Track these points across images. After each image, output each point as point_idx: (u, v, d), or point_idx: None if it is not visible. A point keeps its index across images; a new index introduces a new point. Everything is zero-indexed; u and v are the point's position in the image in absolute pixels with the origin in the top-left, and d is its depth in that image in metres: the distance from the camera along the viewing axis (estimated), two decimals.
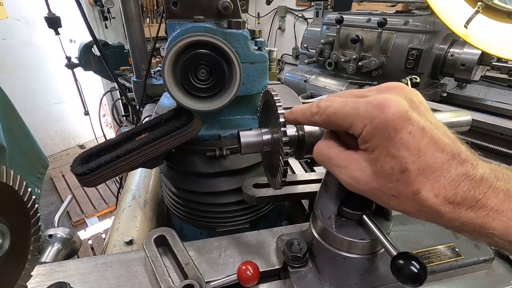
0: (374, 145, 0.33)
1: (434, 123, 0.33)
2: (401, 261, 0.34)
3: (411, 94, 0.35)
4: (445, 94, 1.94)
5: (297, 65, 2.64)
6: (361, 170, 0.35)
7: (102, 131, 2.81)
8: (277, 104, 0.47)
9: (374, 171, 0.34)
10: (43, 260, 0.73)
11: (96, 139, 2.87)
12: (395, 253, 0.36)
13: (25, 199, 0.41)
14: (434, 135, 0.32)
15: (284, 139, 0.45)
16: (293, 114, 0.43)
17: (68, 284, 0.45)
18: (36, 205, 0.43)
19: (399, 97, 0.33)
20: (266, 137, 0.51)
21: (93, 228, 3.33)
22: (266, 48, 0.69)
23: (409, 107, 0.33)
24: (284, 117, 0.44)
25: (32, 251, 0.42)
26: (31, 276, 0.41)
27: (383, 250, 0.46)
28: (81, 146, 5.01)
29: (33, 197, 0.43)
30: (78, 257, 0.79)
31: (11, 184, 0.39)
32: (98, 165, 0.56)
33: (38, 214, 0.44)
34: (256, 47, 0.66)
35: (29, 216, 0.42)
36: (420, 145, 0.31)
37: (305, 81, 2.20)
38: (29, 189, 0.42)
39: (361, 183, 0.35)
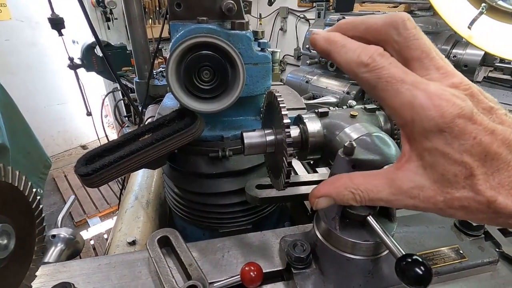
0: (427, 148, 0.28)
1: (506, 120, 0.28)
2: (405, 263, 0.34)
3: (473, 87, 0.30)
4: None
5: (298, 66, 2.64)
6: (417, 184, 0.29)
7: (104, 131, 2.82)
8: (280, 105, 0.47)
9: (433, 181, 0.28)
10: (46, 260, 0.73)
11: (98, 139, 2.88)
12: (399, 255, 0.36)
13: (30, 200, 0.41)
14: (507, 136, 0.27)
15: (288, 140, 0.45)
16: (330, 44, 0.33)
17: (73, 284, 0.45)
18: (41, 206, 0.43)
19: (461, 93, 0.28)
20: (270, 138, 0.51)
21: (95, 229, 3.34)
22: (269, 49, 0.69)
23: (473, 105, 0.27)
24: (310, 39, 0.35)
25: (37, 251, 0.43)
26: (36, 276, 0.41)
27: (386, 251, 0.46)
28: (83, 147, 5.03)
29: (38, 197, 0.43)
30: (80, 258, 0.80)
31: (16, 185, 0.39)
32: (101, 166, 0.56)
33: (43, 215, 0.44)
34: (259, 48, 0.66)
35: (34, 216, 0.42)
36: (489, 150, 0.26)
37: (306, 82, 2.19)
38: (34, 190, 0.42)
39: (424, 200, 0.29)
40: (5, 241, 0.36)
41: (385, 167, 0.37)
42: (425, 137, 0.28)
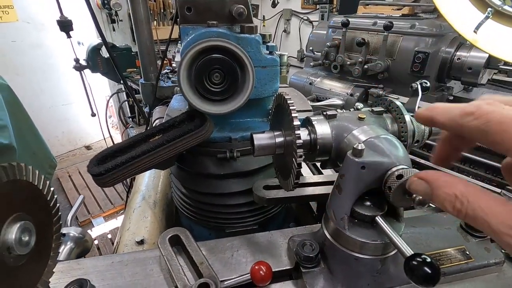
0: None
1: None
2: (414, 262, 0.35)
3: None
4: (451, 98, 1.93)
5: (302, 68, 2.65)
6: None
7: (109, 132, 2.84)
8: (290, 107, 0.48)
9: None
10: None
11: (104, 139, 2.90)
12: (408, 254, 0.37)
13: (48, 198, 0.43)
14: None
15: (298, 142, 0.46)
16: (431, 111, 0.34)
17: (89, 281, 0.47)
18: (58, 204, 0.45)
19: None
20: (279, 139, 0.53)
21: (99, 229, 3.36)
22: (277, 52, 0.70)
23: None
24: (415, 115, 0.36)
25: (54, 248, 0.44)
26: (53, 272, 0.43)
27: (394, 251, 0.46)
28: (88, 147, 5.06)
29: (55, 196, 0.44)
30: (84, 257, 0.81)
31: (36, 183, 0.40)
32: (114, 166, 0.58)
33: (60, 213, 0.45)
34: (268, 52, 0.67)
35: (51, 214, 0.43)
36: None
37: (310, 83, 2.20)
38: (52, 188, 0.44)
39: None
40: (27, 238, 0.37)
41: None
42: None
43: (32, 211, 0.39)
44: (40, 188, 0.41)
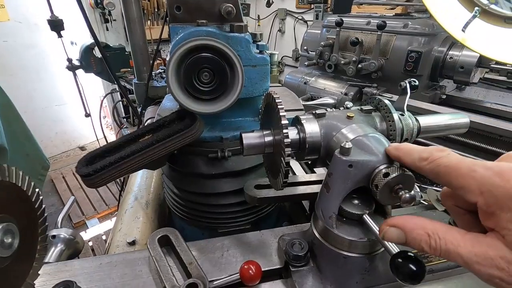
0: (507, 221, 0.28)
1: None
2: (400, 260, 0.35)
3: None
4: (444, 96, 1.95)
5: (297, 67, 2.66)
6: (507, 260, 0.27)
7: (103, 132, 2.82)
8: (279, 106, 0.48)
9: None
10: (46, 260, 0.74)
11: (97, 140, 2.88)
12: (394, 252, 0.37)
13: (33, 199, 0.42)
14: None
15: (286, 141, 0.46)
16: (398, 151, 0.40)
17: (75, 282, 0.46)
18: (43, 206, 0.44)
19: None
20: (268, 139, 0.53)
21: (94, 230, 3.33)
22: (267, 52, 0.70)
23: None
24: (386, 150, 0.42)
25: (40, 250, 0.43)
26: (39, 274, 0.42)
27: (382, 249, 0.47)
28: (82, 148, 5.02)
29: (41, 197, 0.44)
30: (79, 258, 0.80)
31: (20, 185, 0.40)
32: (102, 166, 0.57)
33: (45, 214, 0.45)
34: (258, 51, 0.67)
35: (36, 215, 0.43)
36: None
37: (305, 83, 2.21)
38: (37, 190, 0.43)
39: None
40: (10, 240, 0.37)
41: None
42: (502, 210, 0.28)
43: (16, 212, 0.39)
44: (25, 189, 0.41)
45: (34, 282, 0.42)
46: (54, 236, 0.81)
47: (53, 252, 0.78)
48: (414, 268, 0.34)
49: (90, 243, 3.10)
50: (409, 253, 0.36)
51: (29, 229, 0.41)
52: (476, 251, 0.29)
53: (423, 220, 0.34)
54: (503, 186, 0.28)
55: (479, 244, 0.29)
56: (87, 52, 2.58)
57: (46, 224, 0.45)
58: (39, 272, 0.43)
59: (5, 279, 0.37)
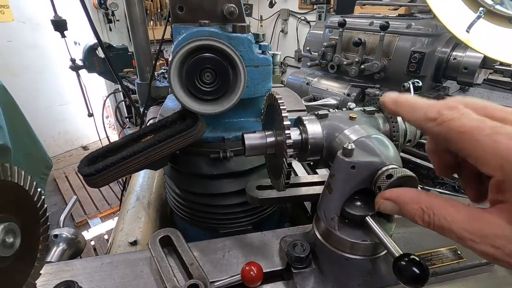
0: None
1: None
2: (403, 263, 0.35)
3: None
4: (447, 97, 1.94)
5: (299, 68, 2.66)
6: (506, 238, 0.26)
7: (106, 132, 2.83)
8: (281, 107, 0.47)
9: None
10: (48, 259, 0.74)
11: (100, 140, 2.89)
12: (397, 255, 0.37)
13: (35, 199, 0.42)
14: None
15: (288, 142, 0.46)
16: (398, 106, 0.35)
17: (76, 283, 0.46)
18: (45, 205, 0.44)
19: None
20: (270, 139, 0.52)
21: (96, 229, 3.35)
22: (269, 52, 0.70)
23: None
24: (381, 101, 0.37)
25: (41, 250, 0.43)
26: (40, 274, 0.42)
27: (385, 251, 0.46)
28: (84, 148, 5.04)
29: (43, 197, 0.44)
30: (81, 258, 0.80)
31: (22, 184, 0.40)
32: (104, 166, 0.57)
33: (47, 214, 0.45)
34: (260, 51, 0.67)
35: (38, 215, 0.43)
36: None
37: (307, 83, 2.20)
38: (39, 189, 0.43)
39: (510, 254, 0.26)
40: (11, 239, 0.37)
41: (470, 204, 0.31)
42: None
43: (18, 212, 0.39)
44: (27, 188, 0.41)
45: (36, 281, 0.42)
46: (56, 236, 0.81)
47: (55, 251, 0.78)
48: (417, 271, 0.34)
49: (92, 243, 3.11)
50: (412, 256, 0.35)
51: (30, 229, 0.41)
52: (470, 228, 0.27)
53: (419, 194, 0.32)
54: None
55: (475, 221, 0.28)
56: (90, 52, 2.59)
57: (48, 224, 0.45)
58: (41, 272, 0.43)
59: (7, 279, 0.37)
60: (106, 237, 3.19)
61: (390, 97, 0.36)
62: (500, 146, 0.26)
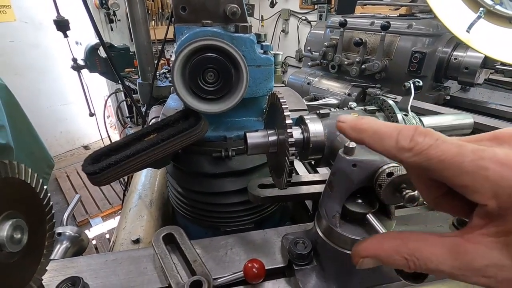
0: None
1: None
2: None
3: None
4: (448, 97, 1.93)
5: (300, 68, 2.66)
6: (494, 263, 0.25)
7: (107, 132, 2.84)
8: (283, 106, 0.48)
9: None
10: (52, 257, 0.75)
11: (101, 139, 2.90)
12: None
13: (41, 196, 0.43)
14: None
15: (290, 140, 0.46)
16: (359, 132, 0.31)
17: (82, 278, 0.47)
18: (51, 202, 0.45)
19: None
20: (272, 138, 0.53)
21: (97, 228, 3.36)
22: (271, 52, 0.71)
23: None
24: (337, 126, 0.33)
25: (47, 246, 0.44)
26: (46, 270, 0.43)
27: None
28: (86, 147, 5.06)
29: (49, 194, 0.44)
30: (79, 256, 0.81)
31: (28, 182, 0.41)
32: (108, 165, 0.58)
33: (53, 211, 0.45)
34: (262, 51, 0.68)
35: (44, 212, 0.44)
36: None
37: (308, 83, 2.21)
38: (45, 187, 0.44)
39: (503, 282, 0.25)
40: (19, 236, 0.37)
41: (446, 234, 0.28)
42: None
43: (25, 209, 0.40)
44: (33, 186, 0.42)
45: (42, 277, 0.43)
46: (59, 234, 0.82)
47: (59, 249, 0.79)
48: None
49: (94, 242, 3.12)
50: None
51: (37, 225, 0.42)
52: (459, 265, 0.26)
53: (396, 242, 0.30)
54: None
55: (461, 256, 0.26)
56: (92, 52, 2.60)
57: (54, 221, 0.46)
58: (47, 268, 0.44)
59: (14, 274, 0.38)
60: (107, 236, 3.20)
61: (347, 121, 0.32)
62: (490, 174, 0.24)
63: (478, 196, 0.25)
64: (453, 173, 0.25)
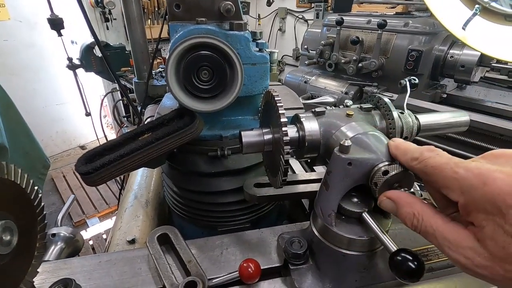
0: (481, 220, 0.30)
1: None
2: (399, 258, 0.35)
3: None
4: (445, 95, 1.94)
5: (297, 66, 2.66)
6: (475, 251, 0.30)
7: (103, 132, 2.82)
8: (278, 104, 0.48)
9: (491, 253, 0.29)
10: (46, 258, 0.74)
11: (98, 139, 2.88)
12: (393, 250, 0.37)
13: (32, 197, 0.42)
14: None
15: (285, 139, 0.46)
16: (397, 150, 0.42)
17: (74, 280, 0.46)
18: (42, 203, 0.44)
19: (508, 168, 0.30)
20: (267, 137, 0.52)
21: (94, 229, 3.34)
22: (267, 50, 0.70)
23: None
24: (388, 145, 0.43)
25: (39, 248, 0.43)
26: (38, 272, 0.42)
27: (381, 247, 0.47)
28: (82, 147, 5.02)
29: (40, 195, 0.44)
30: (79, 257, 0.80)
31: (18, 182, 0.40)
32: (102, 165, 0.57)
33: (44, 212, 0.45)
34: (257, 49, 0.67)
35: (35, 213, 0.43)
36: None
37: (305, 82, 2.20)
38: (36, 188, 0.43)
39: (480, 267, 0.30)
40: (8, 237, 0.37)
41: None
42: (479, 209, 0.30)
43: (15, 210, 0.39)
44: (24, 187, 0.41)
45: (33, 279, 0.42)
46: (54, 235, 0.81)
47: (53, 250, 0.78)
48: (413, 266, 0.34)
49: (91, 242, 3.10)
50: (408, 251, 0.35)
51: (28, 227, 0.41)
52: (449, 238, 0.32)
53: (415, 201, 0.37)
54: (480, 189, 0.30)
55: (454, 233, 0.32)
56: (87, 51, 2.57)
57: (45, 222, 0.45)
58: (38, 270, 0.43)
59: (4, 276, 0.37)
60: (104, 236, 3.18)
61: (393, 143, 0.43)
62: (459, 176, 0.32)
63: (452, 194, 0.33)
64: (439, 177, 0.34)
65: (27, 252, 0.41)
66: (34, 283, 0.43)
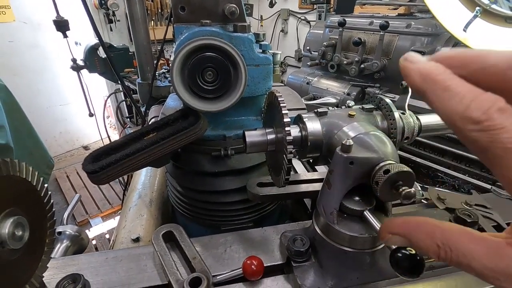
0: None
1: None
2: (399, 254, 0.36)
3: None
4: None
5: (299, 67, 2.67)
6: None
7: (107, 132, 2.84)
8: (281, 105, 0.49)
9: None
10: (52, 256, 0.75)
11: (101, 140, 2.90)
12: (394, 247, 0.38)
13: (42, 194, 0.43)
14: None
15: (288, 138, 0.47)
16: (426, 82, 0.25)
17: (82, 276, 0.47)
18: (52, 200, 0.46)
19: None
20: (271, 136, 0.53)
21: (97, 229, 3.36)
22: (270, 51, 0.71)
23: None
24: (401, 66, 0.28)
25: (48, 244, 0.45)
26: (47, 267, 0.43)
27: (382, 245, 0.47)
28: (85, 147, 5.06)
29: (49, 192, 0.45)
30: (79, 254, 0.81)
31: (29, 179, 0.41)
32: (108, 164, 0.58)
33: (53, 209, 0.46)
34: (261, 50, 0.68)
35: (45, 210, 0.44)
36: None
37: (307, 83, 2.21)
38: (46, 185, 0.44)
39: None
40: (20, 233, 0.38)
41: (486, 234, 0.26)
42: None
43: (26, 206, 0.40)
44: (34, 184, 0.42)
45: (43, 274, 0.43)
46: (60, 233, 0.82)
47: (59, 248, 0.79)
48: (413, 262, 0.35)
49: (94, 242, 3.12)
50: (408, 248, 0.36)
51: (38, 223, 0.42)
52: (493, 266, 0.24)
53: (432, 227, 0.28)
54: None
55: (498, 258, 0.24)
56: (91, 52, 2.60)
57: (55, 218, 0.46)
58: (48, 265, 0.44)
59: (16, 271, 0.38)
60: (107, 236, 3.20)
61: (418, 63, 0.26)
62: None
63: None
64: (507, 165, 0.21)
65: (37, 247, 0.43)
66: (44, 279, 0.44)
